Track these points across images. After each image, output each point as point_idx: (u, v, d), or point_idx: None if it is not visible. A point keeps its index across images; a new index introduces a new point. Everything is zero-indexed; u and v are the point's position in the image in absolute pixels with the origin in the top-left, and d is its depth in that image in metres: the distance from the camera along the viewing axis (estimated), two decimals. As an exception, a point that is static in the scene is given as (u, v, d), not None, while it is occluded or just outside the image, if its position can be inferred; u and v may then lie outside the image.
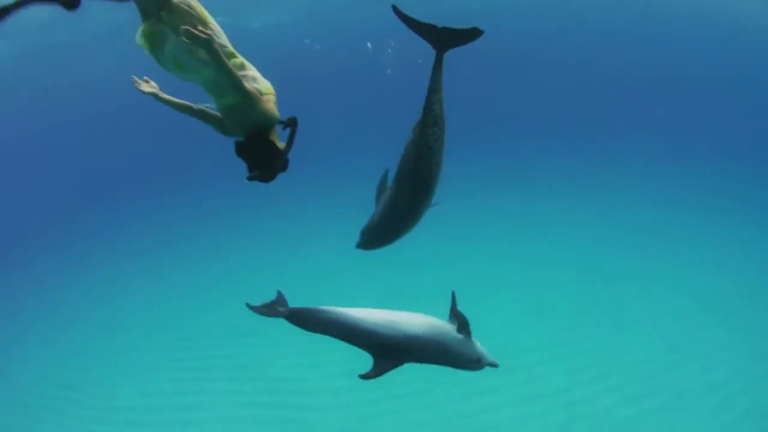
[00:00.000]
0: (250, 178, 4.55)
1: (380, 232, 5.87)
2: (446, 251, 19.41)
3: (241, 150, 4.54)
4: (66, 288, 21.36)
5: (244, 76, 4.42)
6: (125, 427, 13.03)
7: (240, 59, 4.55)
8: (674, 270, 17.61)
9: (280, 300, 6.49)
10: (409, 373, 13.21)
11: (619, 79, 41.23)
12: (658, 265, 17.95)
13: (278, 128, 4.68)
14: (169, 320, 17.64)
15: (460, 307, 6.65)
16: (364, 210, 6.83)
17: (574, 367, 13.38)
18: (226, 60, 4.15)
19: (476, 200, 23.98)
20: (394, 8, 5.37)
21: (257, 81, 4.54)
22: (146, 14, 4.29)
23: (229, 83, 4.26)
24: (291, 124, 4.66)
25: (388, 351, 6.36)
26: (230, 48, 4.47)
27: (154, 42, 4.33)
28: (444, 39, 5.47)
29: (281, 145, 4.65)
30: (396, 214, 5.80)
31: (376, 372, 6.34)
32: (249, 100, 4.37)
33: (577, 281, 17.30)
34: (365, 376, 6.35)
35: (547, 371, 13.27)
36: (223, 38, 4.38)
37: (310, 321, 6.44)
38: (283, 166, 4.70)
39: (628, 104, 38.78)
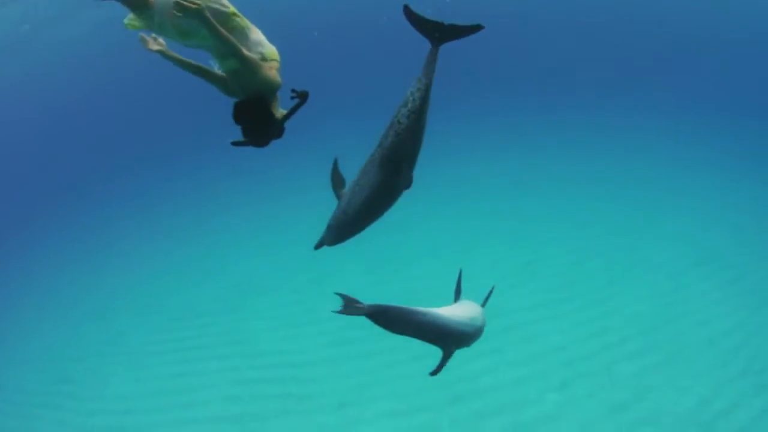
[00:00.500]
0: (235, 143, 4.49)
1: (354, 221, 5.57)
2: (435, 210, 19.27)
3: (238, 113, 4.43)
4: (48, 280, 21.00)
5: (247, 41, 4.39)
6: (124, 415, 12.91)
7: (243, 21, 4.47)
8: (665, 223, 17.63)
9: (350, 299, 6.21)
10: (405, 339, 13.23)
11: (615, 31, 40.90)
12: (649, 218, 17.98)
13: (278, 97, 4.59)
14: (156, 301, 17.44)
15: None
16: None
17: (570, 324, 13.40)
18: (219, 28, 4.04)
19: (463, 158, 23.78)
20: (406, 9, 5.09)
21: (262, 45, 4.49)
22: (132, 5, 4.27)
23: (227, 50, 4.20)
24: (301, 96, 4.54)
25: (461, 343, 6.36)
26: (230, 9, 4.38)
27: (146, 23, 4.33)
28: (445, 34, 5.27)
29: (281, 112, 4.57)
30: (373, 199, 5.48)
31: (443, 364, 6.32)
32: (248, 66, 4.28)
33: (567, 236, 17.31)
34: (435, 372, 6.34)
35: (544, 329, 13.30)
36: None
37: (395, 320, 6.10)
38: (278, 133, 4.59)
39: (623, 57, 38.36)
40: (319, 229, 5.71)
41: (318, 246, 5.78)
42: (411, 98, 5.23)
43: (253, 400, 12.50)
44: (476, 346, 12.14)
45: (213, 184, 26.64)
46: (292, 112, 4.56)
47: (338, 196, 5.66)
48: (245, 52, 4.23)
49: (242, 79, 4.39)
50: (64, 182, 33.06)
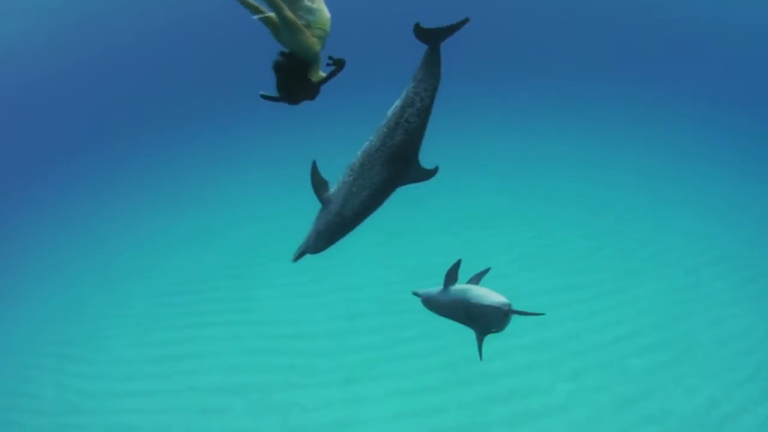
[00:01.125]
0: (265, 97, 4.72)
1: (351, 222, 5.33)
2: (450, 184, 18.95)
3: (277, 66, 4.53)
4: (53, 241, 20.78)
5: (298, 4, 4.53)
6: (124, 381, 12.65)
7: None
8: (683, 218, 17.28)
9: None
10: (416, 315, 12.90)
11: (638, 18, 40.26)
12: (667, 211, 17.63)
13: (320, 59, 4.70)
14: (161, 265, 17.19)
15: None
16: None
17: (585, 313, 13.10)
18: None
19: (482, 134, 23.46)
20: (417, 29, 5.07)
21: (312, 13, 4.61)
22: None
23: (272, 8, 4.34)
24: (337, 64, 4.74)
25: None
26: None
27: None
28: (443, 36, 5.29)
29: (319, 75, 4.70)
30: (375, 197, 5.28)
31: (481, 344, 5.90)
32: (288, 27, 4.39)
33: (584, 222, 17.01)
34: (481, 354, 5.84)
35: (558, 316, 12.96)
36: None
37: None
38: (311, 95, 4.73)
39: (651, 46, 37.76)
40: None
41: (298, 257, 5.43)
42: (418, 98, 5.20)
43: (256, 370, 12.20)
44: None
45: (221, 147, 26.42)
46: (328, 77, 4.71)
47: (324, 200, 5.34)
48: (287, 13, 4.31)
49: (281, 36, 4.52)
50: (69, 140, 32.89)
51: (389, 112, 5.22)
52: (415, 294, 6.13)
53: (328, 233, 5.36)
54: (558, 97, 28.84)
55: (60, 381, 13.06)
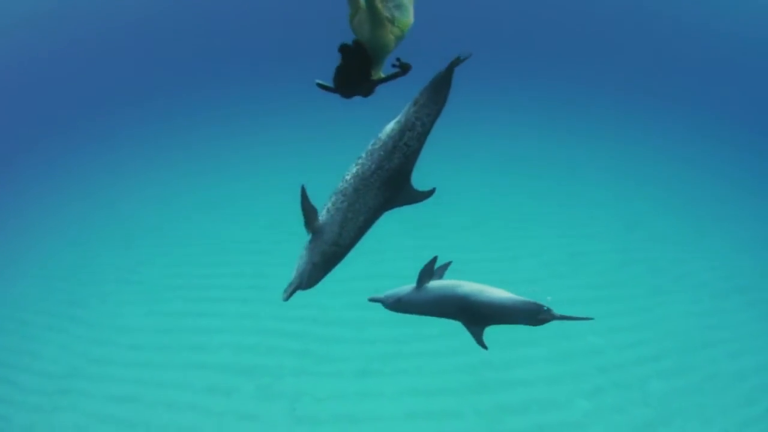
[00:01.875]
0: (320, 86, 4.55)
1: (346, 251, 4.98)
2: (483, 179, 18.57)
3: (343, 52, 4.35)
4: (75, 198, 20.48)
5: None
6: (129, 350, 12.26)
7: None
8: (713, 241, 16.69)
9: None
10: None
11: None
12: (699, 234, 17.02)
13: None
14: (182, 234, 16.76)
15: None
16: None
17: (609, 328, 12.54)
18: None
19: (519, 132, 22.99)
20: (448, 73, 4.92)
21: (400, 10, 4.46)
22: None
23: None
24: (402, 67, 4.58)
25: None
26: None
27: None
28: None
29: (379, 75, 4.52)
30: (370, 222, 5.03)
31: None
32: (373, 16, 4.24)
33: (615, 234, 16.51)
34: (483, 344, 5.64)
35: (582, 329, 12.33)
36: None
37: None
38: (366, 92, 4.54)
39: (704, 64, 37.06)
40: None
41: (290, 294, 4.89)
42: (419, 123, 5.01)
43: (268, 352, 11.73)
44: (512, 334, 11.43)
45: (256, 114, 26.04)
46: (388, 78, 4.53)
47: (315, 229, 4.89)
48: (378, 3, 4.20)
49: (360, 24, 4.37)
50: (99, 96, 32.71)
51: (384, 135, 4.96)
52: (373, 300, 5.69)
53: (324, 264, 4.96)
54: (607, 106, 28.27)
55: (64, 342, 12.70)
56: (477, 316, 5.55)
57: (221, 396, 10.82)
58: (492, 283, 12.41)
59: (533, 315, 5.34)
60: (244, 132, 24.62)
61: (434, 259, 5.50)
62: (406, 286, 5.61)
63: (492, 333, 11.35)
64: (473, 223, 16.45)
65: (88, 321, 13.33)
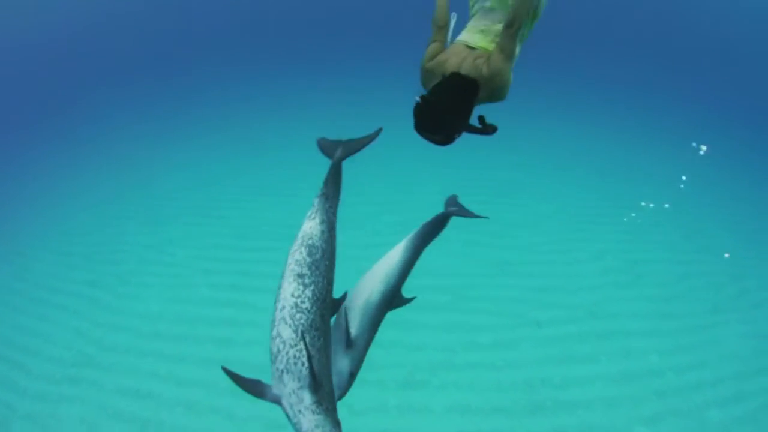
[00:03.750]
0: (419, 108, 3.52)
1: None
2: (553, 178, 17.41)
3: (451, 83, 3.60)
4: (105, 170, 19.58)
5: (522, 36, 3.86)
6: (150, 339, 11.21)
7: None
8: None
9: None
10: (495, 318, 11.21)
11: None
12: (758, 250, 15.61)
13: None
14: (216, 215, 15.70)
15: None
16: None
17: (670, 348, 11.41)
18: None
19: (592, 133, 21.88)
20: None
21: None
22: None
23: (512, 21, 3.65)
24: (486, 127, 3.82)
25: None
26: None
27: None
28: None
29: (468, 124, 3.68)
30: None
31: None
32: (506, 49, 3.65)
33: (676, 244, 15.22)
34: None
35: (643, 346, 11.34)
36: None
37: None
38: (448, 134, 3.58)
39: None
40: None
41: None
42: (333, 216, 4.98)
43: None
44: (571, 349, 10.82)
45: (297, 90, 25.11)
46: (472, 130, 3.76)
47: (322, 390, 4.21)
48: (516, 37, 3.69)
49: (479, 58, 3.74)
50: (135, 66, 31.85)
51: (317, 240, 4.69)
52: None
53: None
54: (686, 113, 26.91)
55: (78, 327, 11.72)
56: (395, 294, 5.33)
57: (247, 399, 9.70)
58: (550, 291, 11.01)
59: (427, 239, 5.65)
60: (292, 108, 23.62)
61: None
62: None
63: (552, 348, 10.27)
64: (533, 223, 15.32)
65: (107, 304, 12.33)
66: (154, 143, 21.45)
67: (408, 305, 11.43)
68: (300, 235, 4.74)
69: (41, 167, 20.73)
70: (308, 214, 4.84)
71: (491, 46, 3.87)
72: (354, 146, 5.31)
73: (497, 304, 11.87)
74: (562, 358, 10.68)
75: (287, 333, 4.26)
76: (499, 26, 3.87)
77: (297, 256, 4.54)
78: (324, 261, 4.48)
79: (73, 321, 11.87)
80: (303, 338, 4.17)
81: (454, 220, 6.05)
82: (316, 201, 4.84)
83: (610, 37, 36.97)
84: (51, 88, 30.59)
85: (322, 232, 4.61)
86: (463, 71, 3.70)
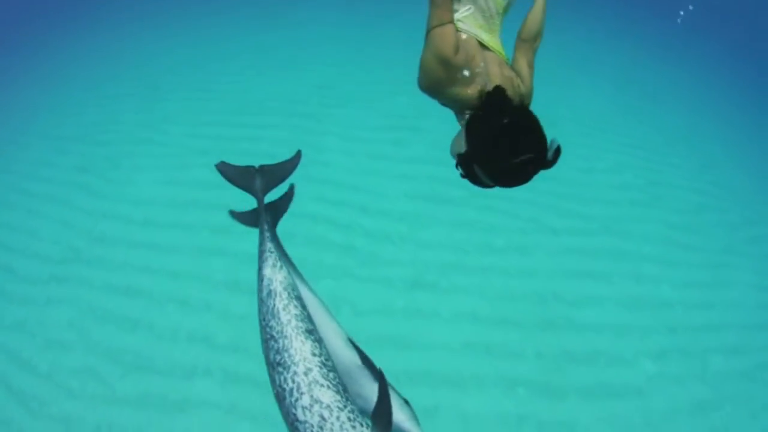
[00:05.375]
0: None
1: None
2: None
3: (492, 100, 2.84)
4: (101, 45, 18.64)
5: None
6: (139, 228, 10.47)
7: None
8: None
9: None
10: (511, 221, 10.62)
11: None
12: None
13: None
14: (216, 87, 14.94)
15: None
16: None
17: (682, 281, 10.77)
18: None
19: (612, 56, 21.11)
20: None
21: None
22: None
23: None
24: None
25: None
26: None
27: None
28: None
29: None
30: None
31: None
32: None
33: (693, 171, 14.56)
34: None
35: (657, 274, 10.71)
36: None
37: None
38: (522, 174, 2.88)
39: None
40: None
41: None
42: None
43: (307, 242, 9.82)
44: (585, 263, 10.42)
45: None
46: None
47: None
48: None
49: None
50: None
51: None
52: None
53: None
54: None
55: (66, 218, 10.94)
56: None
57: (243, 294, 9.01)
58: (566, 198, 9.96)
59: None
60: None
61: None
62: None
63: (566, 258, 10.56)
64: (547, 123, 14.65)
65: (97, 190, 11.55)
66: (160, 23, 20.61)
67: (420, 198, 10.86)
68: (277, 290, 4.19)
69: (45, 52, 19.86)
70: (269, 263, 4.36)
71: (501, 49, 3.21)
72: (278, 174, 4.89)
73: (512, 204, 11.22)
74: (576, 273, 10.11)
75: (329, 396, 3.63)
76: (495, 21, 3.21)
77: (294, 312, 4.06)
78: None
79: (61, 212, 11.13)
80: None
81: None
82: (269, 245, 4.48)
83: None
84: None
85: (291, 276, 4.27)
86: (504, 86, 2.96)
